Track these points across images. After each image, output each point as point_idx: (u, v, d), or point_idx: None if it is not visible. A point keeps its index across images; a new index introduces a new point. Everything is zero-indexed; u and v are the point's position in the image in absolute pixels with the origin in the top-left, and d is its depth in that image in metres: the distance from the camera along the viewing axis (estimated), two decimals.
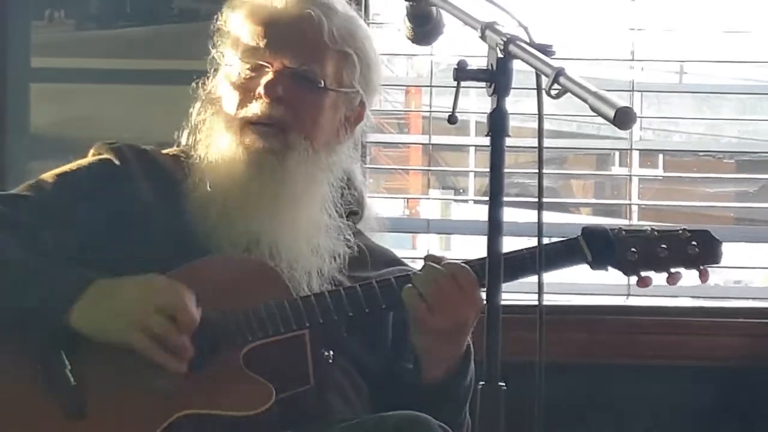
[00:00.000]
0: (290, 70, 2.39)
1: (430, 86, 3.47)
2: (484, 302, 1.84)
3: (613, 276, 2.53)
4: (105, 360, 2.25)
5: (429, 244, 3.61)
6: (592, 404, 3.27)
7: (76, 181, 2.42)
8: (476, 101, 3.40)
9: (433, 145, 3.51)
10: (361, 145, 3.13)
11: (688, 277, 2.45)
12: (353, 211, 2.53)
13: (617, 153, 3.95)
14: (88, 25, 3.41)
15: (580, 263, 2.43)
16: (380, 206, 3.10)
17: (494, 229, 1.81)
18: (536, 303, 1.79)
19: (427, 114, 3.56)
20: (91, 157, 2.48)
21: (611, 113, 1.62)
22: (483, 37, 1.85)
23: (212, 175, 2.39)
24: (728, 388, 3.29)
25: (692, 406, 3.30)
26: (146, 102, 3.34)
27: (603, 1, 3.53)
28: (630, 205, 3.45)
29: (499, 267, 1.80)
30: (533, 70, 1.76)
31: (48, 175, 2.44)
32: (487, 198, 1.82)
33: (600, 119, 1.65)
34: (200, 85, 2.48)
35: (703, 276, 2.44)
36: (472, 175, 4.02)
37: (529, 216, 2.99)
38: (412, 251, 3.55)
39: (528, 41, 1.80)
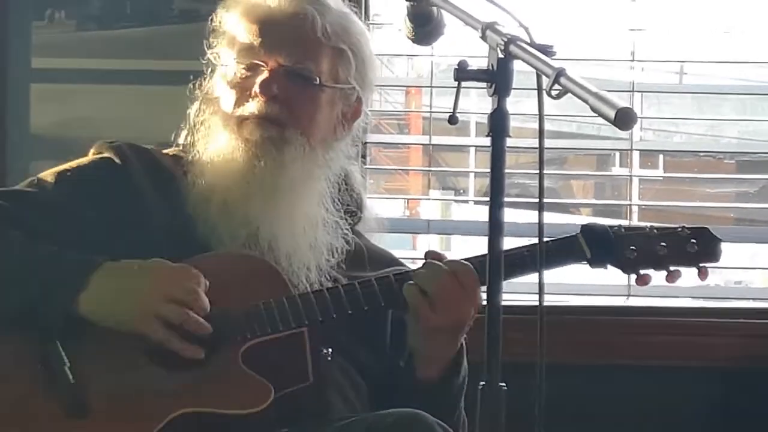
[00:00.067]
0: (285, 68, 2.40)
1: (431, 87, 3.47)
2: (483, 301, 1.84)
3: (613, 276, 2.53)
4: (104, 358, 2.26)
5: (429, 244, 3.61)
6: (592, 404, 3.27)
7: (76, 179, 2.43)
8: (477, 102, 3.40)
9: (433, 145, 3.51)
10: (361, 145, 3.13)
11: (688, 276, 2.45)
12: (352, 212, 2.53)
13: (617, 153, 3.95)
14: (89, 25, 3.41)
15: (580, 261, 2.43)
16: (380, 207, 3.10)
17: (495, 229, 1.81)
18: (536, 303, 1.79)
19: (428, 114, 3.57)
20: (91, 156, 2.48)
21: (612, 114, 1.62)
22: (483, 38, 1.85)
23: (211, 171, 2.40)
24: (728, 388, 3.29)
25: (692, 407, 3.30)
26: (146, 102, 3.34)
27: (603, 1, 3.53)
28: (630, 205, 3.45)
29: (500, 267, 1.80)
30: (534, 70, 1.76)
31: (48, 173, 2.44)
32: (487, 198, 1.82)
33: (600, 120, 1.65)
34: (198, 85, 2.49)
35: (703, 274, 2.44)
36: (472, 175, 4.02)
37: (530, 216, 2.99)
38: (413, 252, 3.55)
39: (528, 41, 1.80)
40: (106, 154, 2.46)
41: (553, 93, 1.71)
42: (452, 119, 1.93)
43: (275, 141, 2.39)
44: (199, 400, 2.24)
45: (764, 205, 3.61)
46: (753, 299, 3.53)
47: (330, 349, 2.35)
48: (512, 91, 1.83)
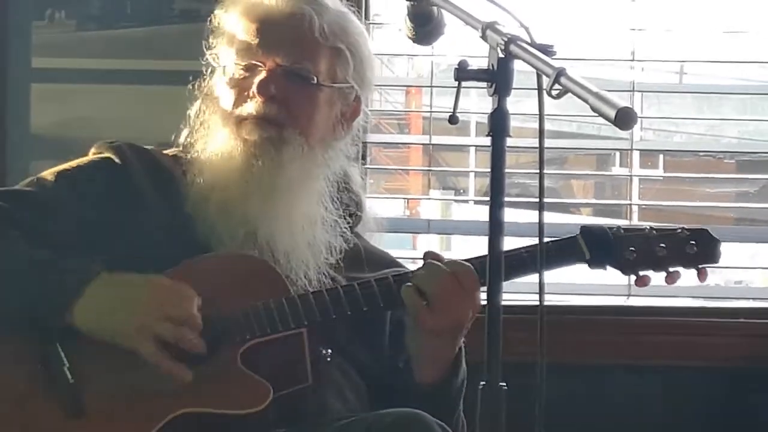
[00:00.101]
0: (283, 68, 2.40)
1: (431, 86, 3.47)
2: (483, 302, 1.83)
3: (613, 276, 2.53)
4: (103, 358, 2.25)
5: (429, 244, 3.61)
6: (592, 404, 3.27)
7: (76, 178, 2.43)
8: (477, 101, 3.40)
9: (433, 145, 3.51)
10: (361, 144, 3.13)
11: (688, 276, 2.45)
12: (351, 213, 2.53)
13: (618, 153, 3.95)
14: (89, 25, 3.41)
15: (579, 262, 2.43)
16: (380, 206, 3.10)
17: (495, 229, 1.81)
18: (536, 303, 1.79)
19: (428, 114, 3.56)
20: (91, 156, 2.48)
21: (612, 113, 1.62)
22: (484, 37, 1.85)
23: (210, 170, 2.40)
24: (728, 388, 3.29)
25: (693, 406, 3.30)
26: (146, 102, 3.34)
27: (603, 1, 3.53)
28: (630, 205, 3.45)
29: (500, 267, 1.80)
30: (534, 70, 1.76)
31: (48, 173, 2.44)
32: (487, 198, 1.82)
33: (601, 119, 1.65)
34: (198, 85, 2.49)
35: (702, 275, 2.44)
36: (472, 175, 4.02)
37: (530, 216, 2.99)
38: (413, 252, 3.55)
39: (529, 41, 1.80)
40: (106, 154, 2.46)
41: (554, 93, 1.71)
42: (452, 119, 1.93)
43: (274, 141, 2.39)
44: (198, 400, 2.23)
45: (764, 204, 3.61)
46: (753, 299, 3.53)
47: (329, 350, 2.35)
48: (512, 90, 1.83)
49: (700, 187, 3.73)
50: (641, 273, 2.44)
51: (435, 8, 2.04)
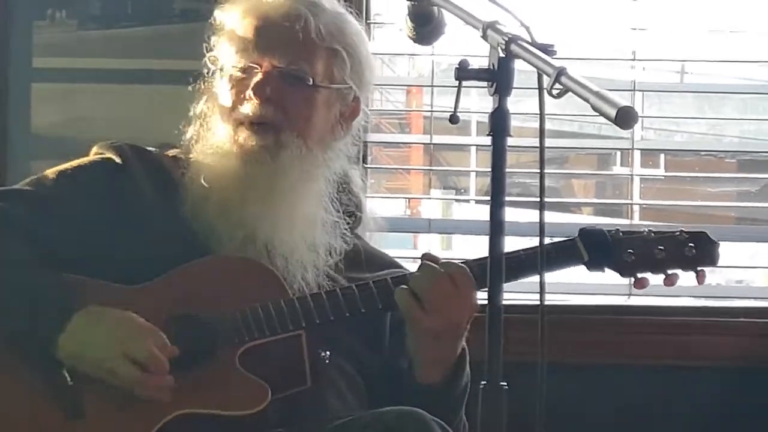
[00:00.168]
0: (279, 69, 2.40)
1: (432, 86, 3.47)
2: (479, 303, 1.83)
3: (613, 276, 2.53)
4: None
5: (430, 244, 3.61)
6: (592, 404, 3.27)
7: (77, 178, 2.43)
8: (477, 101, 3.40)
9: (434, 144, 3.50)
10: (362, 144, 3.13)
11: (686, 278, 2.45)
12: (351, 214, 2.53)
13: (618, 153, 3.95)
14: (90, 25, 3.41)
15: (577, 264, 2.44)
16: (381, 206, 3.10)
17: (496, 229, 1.81)
18: (537, 303, 1.79)
19: (429, 114, 3.56)
20: (92, 156, 2.48)
21: (613, 113, 1.62)
22: (484, 37, 1.85)
23: (208, 171, 2.41)
24: (729, 388, 3.29)
25: (693, 406, 3.29)
26: (147, 102, 3.34)
27: (604, 0, 3.53)
28: (631, 204, 3.45)
29: (501, 267, 1.80)
30: (535, 69, 1.76)
31: (49, 172, 2.45)
32: (488, 198, 1.82)
33: (601, 119, 1.65)
34: (198, 85, 2.49)
35: (700, 278, 2.45)
36: (473, 174, 4.01)
37: (531, 216, 2.99)
38: (414, 251, 3.55)
39: (529, 41, 1.80)
40: (107, 155, 2.46)
41: (554, 92, 1.71)
42: (453, 118, 1.93)
43: (270, 149, 2.38)
44: (196, 402, 2.24)
45: (765, 204, 3.61)
46: (754, 298, 3.52)
47: (328, 352, 2.35)
48: (513, 90, 1.83)
49: (701, 186, 3.72)
50: (640, 275, 2.44)
51: (435, 8, 2.04)
